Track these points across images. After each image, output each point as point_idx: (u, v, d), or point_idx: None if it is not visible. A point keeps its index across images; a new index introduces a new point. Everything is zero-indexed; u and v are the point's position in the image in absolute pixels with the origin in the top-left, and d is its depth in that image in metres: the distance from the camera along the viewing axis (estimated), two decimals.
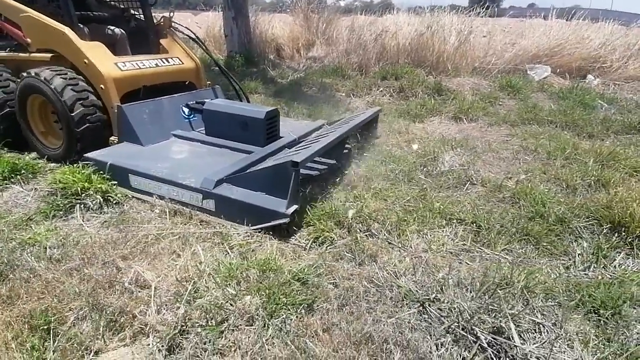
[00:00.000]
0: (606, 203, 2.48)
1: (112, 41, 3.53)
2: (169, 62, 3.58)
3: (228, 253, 2.00)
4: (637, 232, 2.22)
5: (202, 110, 3.25)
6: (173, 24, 3.99)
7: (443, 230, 2.30)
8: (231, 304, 1.60)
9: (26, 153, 3.37)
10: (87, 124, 2.92)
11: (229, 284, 1.72)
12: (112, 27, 3.69)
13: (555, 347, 1.37)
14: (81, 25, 3.24)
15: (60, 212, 2.41)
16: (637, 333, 1.57)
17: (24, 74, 3.04)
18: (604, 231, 2.31)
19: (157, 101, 3.27)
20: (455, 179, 2.99)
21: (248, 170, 2.50)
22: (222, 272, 1.77)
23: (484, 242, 2.20)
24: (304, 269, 1.83)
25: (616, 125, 4.52)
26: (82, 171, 2.58)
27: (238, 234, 2.20)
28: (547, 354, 1.31)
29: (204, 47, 4.40)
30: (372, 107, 3.90)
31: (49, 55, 3.17)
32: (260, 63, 8.40)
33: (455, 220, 2.39)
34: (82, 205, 2.44)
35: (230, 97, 4.49)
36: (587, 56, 6.73)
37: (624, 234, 2.26)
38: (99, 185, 2.51)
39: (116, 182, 2.63)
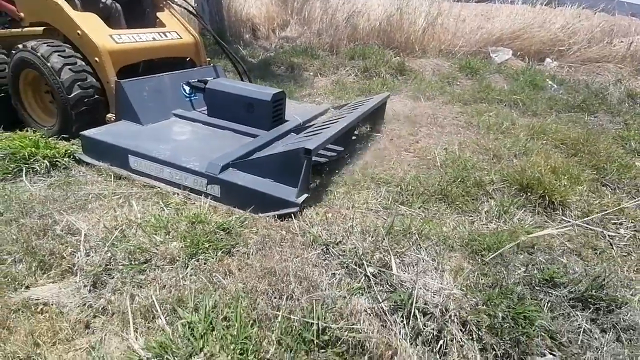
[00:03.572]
0: (520, 169, 2.73)
1: (106, 14, 3.35)
2: (166, 36, 3.42)
3: (164, 209, 2.16)
4: (540, 192, 2.48)
5: (205, 90, 3.14)
6: None
7: (369, 192, 2.51)
8: (156, 249, 1.77)
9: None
10: (84, 107, 2.85)
11: (158, 233, 1.89)
12: (106, 1, 3.49)
13: (427, 275, 1.60)
14: None
15: (9, 176, 2.51)
16: (517, 274, 1.82)
17: (20, 46, 2.93)
18: (513, 192, 2.56)
19: (158, 78, 3.12)
20: (395, 149, 3.21)
21: (255, 156, 2.43)
22: (152, 223, 1.94)
23: (404, 202, 2.42)
24: (230, 221, 2.02)
25: (560, 104, 4.81)
26: (30, 137, 2.67)
27: (177, 194, 2.37)
28: (416, 279, 1.54)
29: (202, 22, 4.22)
30: (382, 92, 3.85)
31: (42, 28, 3.06)
32: (234, 42, 8.41)
33: (382, 183, 2.60)
34: (30, 170, 2.55)
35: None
36: (546, 40, 6.98)
37: (529, 194, 2.52)
38: (45, 151, 2.62)
39: (114, 162, 2.59)
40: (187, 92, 3.31)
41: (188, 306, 1.50)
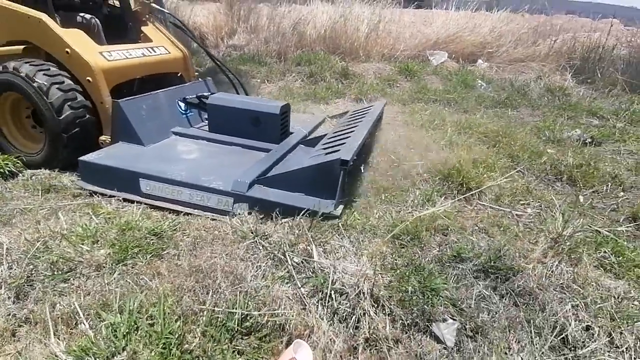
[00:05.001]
0: (443, 160, 2.98)
1: (85, 30, 3.05)
2: (155, 51, 3.27)
3: (93, 219, 2.15)
4: (459, 180, 2.72)
5: (203, 105, 3.06)
6: (154, 6, 3.58)
7: None
8: (81, 257, 1.77)
9: None
10: (77, 129, 2.65)
11: (84, 242, 1.89)
12: (84, 15, 3.26)
13: (347, 260, 1.74)
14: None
15: None
16: (432, 253, 2.01)
17: None
18: (437, 181, 2.79)
19: (154, 95, 2.98)
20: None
21: (281, 170, 2.38)
22: (78, 233, 1.93)
23: None
24: (161, 226, 2.05)
25: (487, 101, 5.24)
26: None
27: (110, 204, 2.35)
28: (335, 263, 1.67)
29: (190, 35, 4.01)
30: (379, 101, 3.92)
31: (22, 47, 2.82)
32: None
33: None
34: None
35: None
36: (477, 43, 7.55)
37: (450, 183, 2.75)
38: None
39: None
40: (183, 108, 3.21)
41: (113, 309, 1.53)
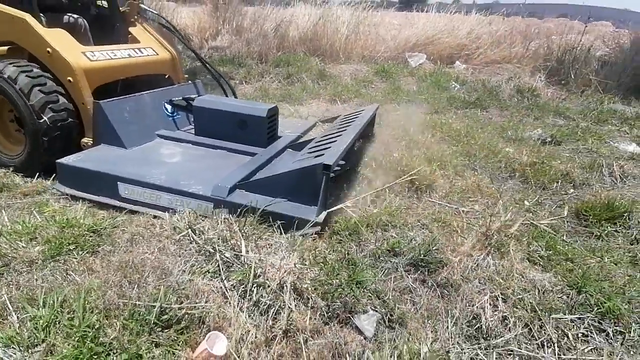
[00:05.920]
0: (399, 159, 3.03)
1: (72, 30, 3.02)
2: (142, 52, 3.23)
3: (36, 217, 2.16)
4: (411, 178, 2.76)
5: (191, 108, 3.03)
6: (142, 6, 3.58)
7: None
8: (16, 253, 1.79)
9: None
10: (58, 132, 2.57)
11: (22, 239, 1.90)
12: (71, 15, 3.24)
13: (277, 255, 1.77)
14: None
15: None
16: (368, 248, 2.05)
17: None
18: (390, 179, 2.83)
19: (138, 97, 2.92)
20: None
21: (263, 175, 2.32)
22: (17, 230, 1.95)
23: None
24: (101, 223, 2.07)
25: (458, 102, 5.31)
26: None
27: (58, 202, 2.37)
28: (262, 257, 1.71)
29: (179, 36, 3.93)
30: (372, 104, 3.92)
31: (6, 48, 2.77)
32: None
33: None
34: None
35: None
36: (455, 45, 7.65)
37: (403, 180, 2.80)
38: None
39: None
40: (170, 111, 3.15)
41: (37, 303, 1.55)
